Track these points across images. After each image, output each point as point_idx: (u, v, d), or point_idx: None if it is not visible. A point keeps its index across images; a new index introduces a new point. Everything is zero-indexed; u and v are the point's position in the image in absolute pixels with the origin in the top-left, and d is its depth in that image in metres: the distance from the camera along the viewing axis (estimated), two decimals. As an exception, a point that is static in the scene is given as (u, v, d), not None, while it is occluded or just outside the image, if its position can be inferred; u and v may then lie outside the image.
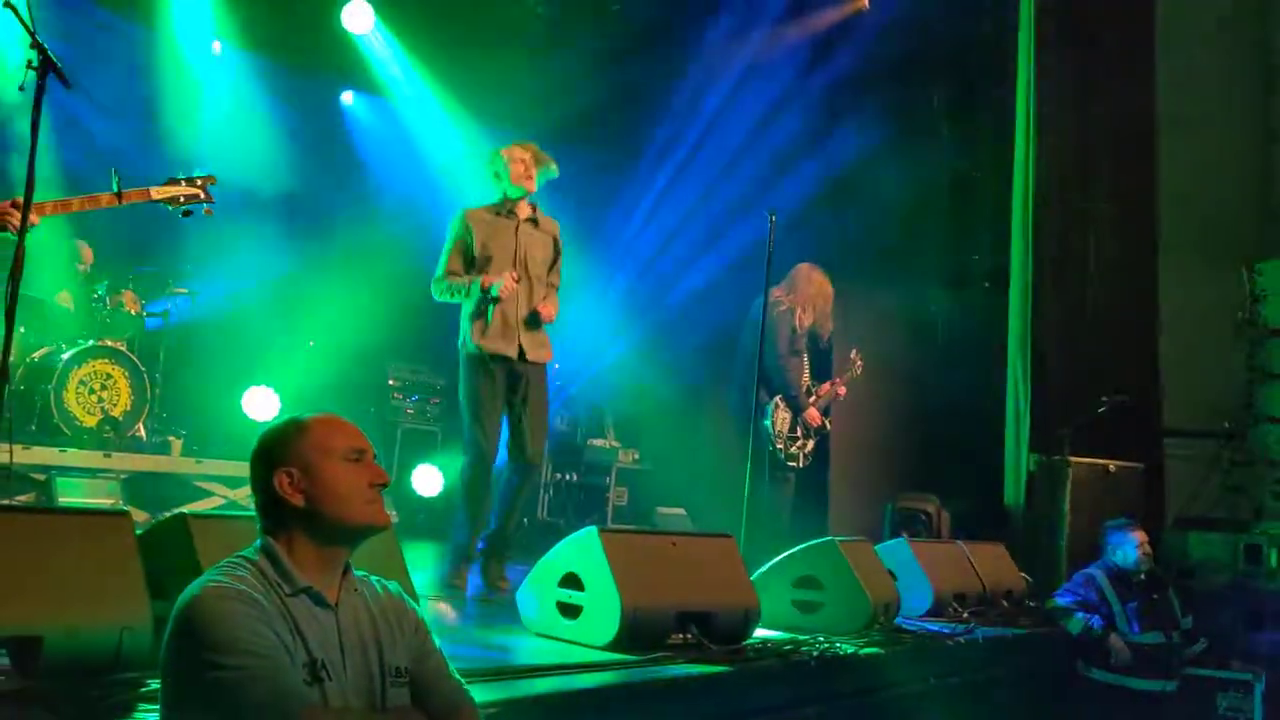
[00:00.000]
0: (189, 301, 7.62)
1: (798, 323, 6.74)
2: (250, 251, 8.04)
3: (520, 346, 5.19)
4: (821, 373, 6.96)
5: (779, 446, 6.63)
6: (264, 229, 8.11)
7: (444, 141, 8.92)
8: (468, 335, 5.21)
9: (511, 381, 5.22)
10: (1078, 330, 7.31)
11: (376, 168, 8.98)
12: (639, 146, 8.73)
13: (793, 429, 6.71)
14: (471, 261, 5.24)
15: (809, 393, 6.78)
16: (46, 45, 3.12)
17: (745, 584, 4.15)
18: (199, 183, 4.04)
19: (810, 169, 7.99)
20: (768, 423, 6.59)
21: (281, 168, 8.41)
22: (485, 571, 5.19)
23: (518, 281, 5.15)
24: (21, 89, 3.09)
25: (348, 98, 9.54)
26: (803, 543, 4.74)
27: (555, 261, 5.40)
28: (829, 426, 6.91)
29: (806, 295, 6.77)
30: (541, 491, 8.94)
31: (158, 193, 3.95)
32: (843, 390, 6.90)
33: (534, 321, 5.21)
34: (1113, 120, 7.52)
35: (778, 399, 6.65)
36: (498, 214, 5.29)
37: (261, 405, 7.84)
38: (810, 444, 6.78)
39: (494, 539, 5.23)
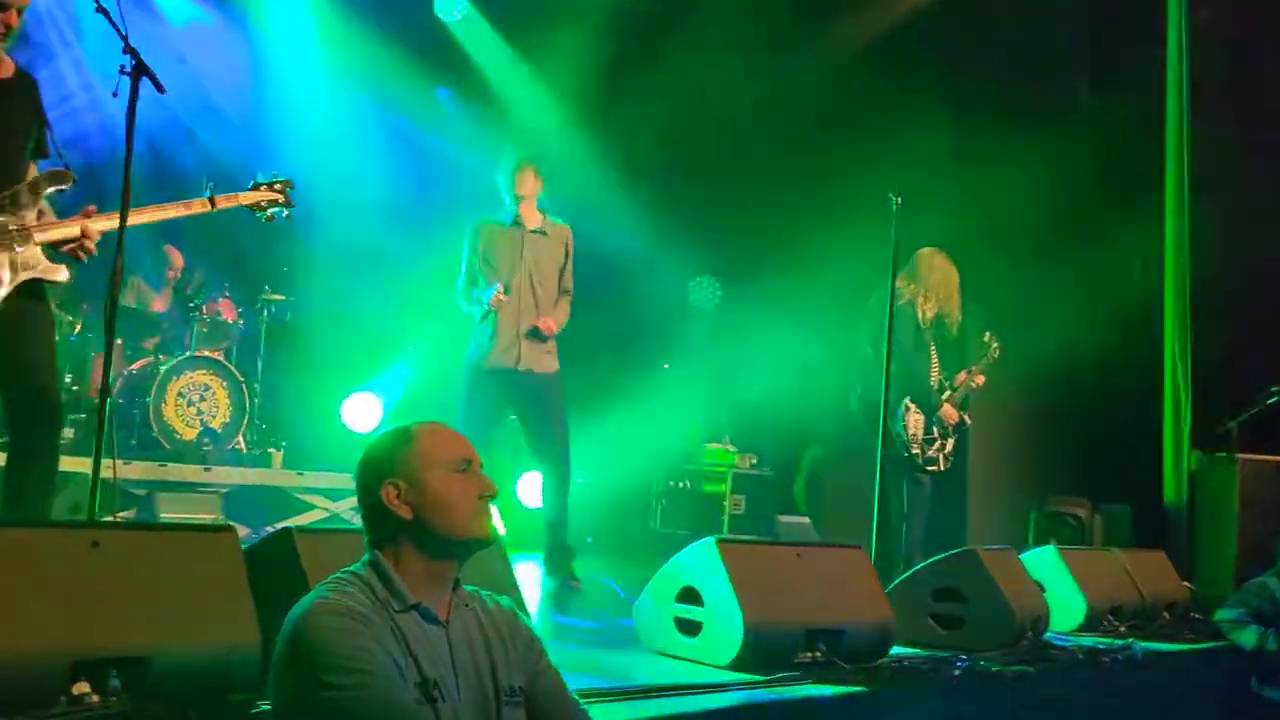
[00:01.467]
0: (286, 308, 7.86)
1: (921, 314, 6.62)
2: (347, 255, 8.25)
3: (519, 357, 5.59)
4: (953, 364, 6.82)
5: (914, 452, 6.50)
6: (361, 231, 8.32)
7: (539, 136, 9.01)
8: (468, 347, 5.72)
9: (510, 394, 5.62)
10: (1243, 315, 7.04)
11: (474, 165, 9.14)
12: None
13: (928, 430, 6.59)
14: (481, 273, 5.70)
15: (941, 389, 6.65)
16: (139, 49, 3.25)
17: (879, 597, 4.11)
18: (278, 187, 4.25)
19: (932, 145, 7.88)
20: (900, 427, 6.48)
21: (378, 168, 8.61)
22: (554, 571, 5.61)
23: (506, 293, 5.56)
24: (115, 95, 3.23)
25: (443, 93, 9.72)
26: (940, 552, 4.66)
27: (566, 267, 5.80)
28: (968, 422, 6.76)
29: (930, 283, 6.65)
30: (654, 500, 8.97)
31: (246, 197, 4.17)
32: (980, 379, 6.74)
33: (536, 333, 5.62)
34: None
35: (907, 401, 6.53)
36: (505, 225, 5.73)
37: (362, 414, 8.04)
38: (949, 444, 6.65)
39: (550, 541, 5.69)
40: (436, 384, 7.89)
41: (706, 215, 8.90)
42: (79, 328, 6.97)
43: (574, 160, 8.60)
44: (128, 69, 3.30)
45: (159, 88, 3.31)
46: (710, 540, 3.83)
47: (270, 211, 4.22)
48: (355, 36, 8.52)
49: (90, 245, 3.63)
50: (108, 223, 3.60)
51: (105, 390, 3.29)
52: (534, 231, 5.77)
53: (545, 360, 5.72)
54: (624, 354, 9.24)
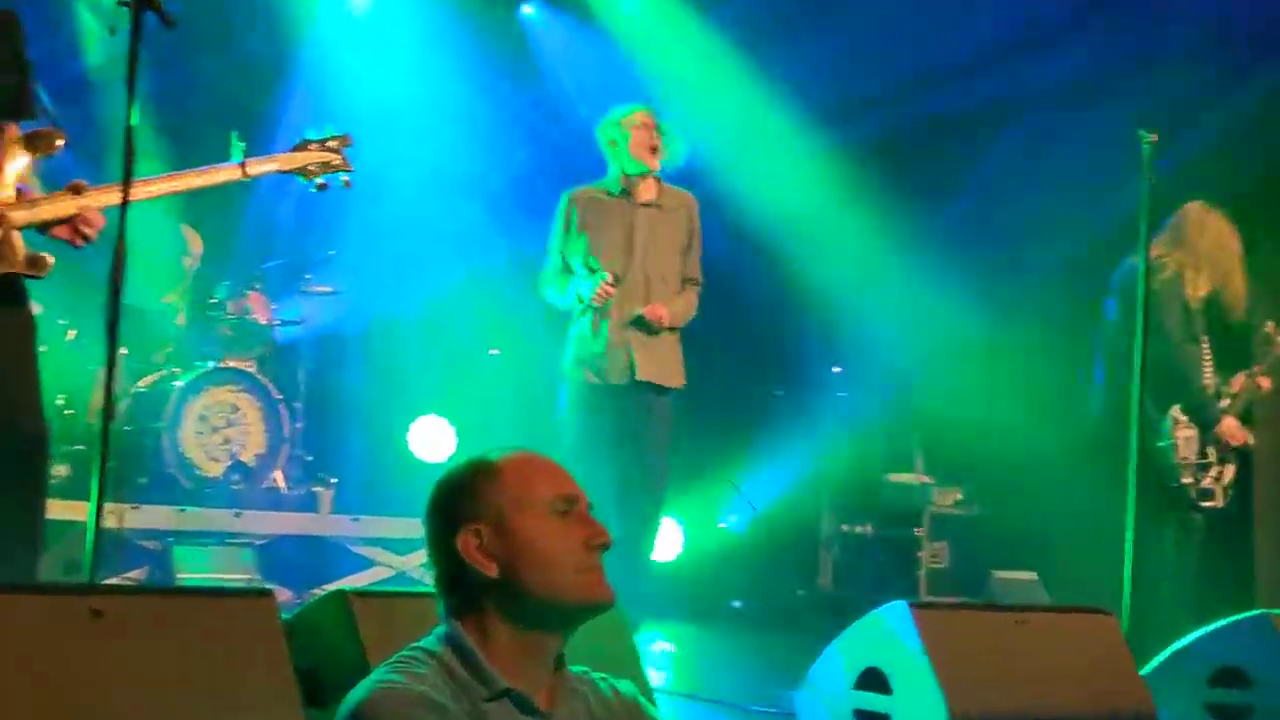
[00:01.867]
0: (334, 303, 8.04)
1: (1191, 291, 6.45)
2: (411, 234, 8.41)
3: (632, 365, 5.67)
4: (1231, 361, 6.62)
5: (1186, 481, 6.32)
6: (428, 204, 8.47)
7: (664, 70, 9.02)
8: (567, 353, 5.84)
9: (621, 413, 5.72)
10: None
11: (573, 114, 9.21)
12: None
13: (1202, 451, 6.39)
14: (581, 256, 5.80)
15: (1218, 395, 6.46)
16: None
17: (1133, 679, 4.05)
18: (333, 144, 4.30)
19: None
20: (1165, 444, 6.28)
21: (448, 120, 8.75)
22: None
23: (615, 284, 5.62)
24: (113, 31, 3.32)
25: (528, 10, 9.78)
26: (1219, 617, 4.55)
27: (692, 249, 5.90)
28: (1252, 442, 6.57)
29: (1201, 250, 6.47)
30: (822, 551, 8.92)
31: (285, 161, 4.22)
32: (1266, 382, 6.54)
33: (647, 328, 5.62)
34: None
35: (1175, 410, 6.32)
36: (611, 195, 5.81)
37: (433, 441, 8.17)
38: (1229, 470, 6.45)
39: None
40: (528, 400, 7.98)
41: (896, 172, 8.82)
42: (74, 334, 7.22)
43: (719, 104, 8.63)
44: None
45: (167, 21, 3.39)
46: (900, 605, 3.80)
47: (323, 178, 4.27)
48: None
49: (89, 229, 3.74)
50: (107, 196, 3.70)
51: (108, 414, 3.39)
52: (648, 205, 5.82)
53: (670, 370, 5.77)
54: (777, 358, 9.22)
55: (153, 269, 7.92)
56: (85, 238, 3.77)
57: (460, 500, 2.28)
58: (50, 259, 3.81)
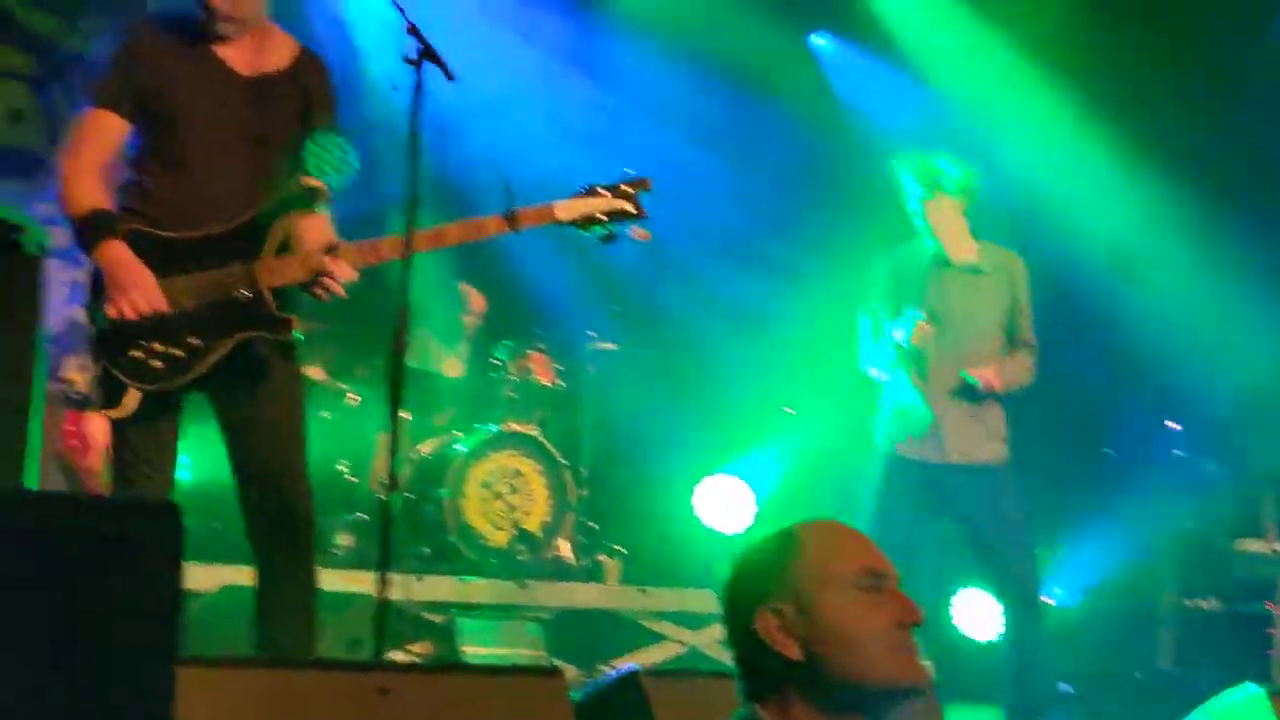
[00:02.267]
0: (620, 362, 8.18)
1: None
2: (701, 286, 8.47)
3: (944, 442, 5.60)
4: None
5: None
6: (719, 252, 8.54)
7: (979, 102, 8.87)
8: (879, 422, 5.83)
9: (939, 492, 5.64)
10: None
11: (868, 151, 9.17)
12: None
13: None
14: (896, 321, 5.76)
15: None
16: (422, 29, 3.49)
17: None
18: (626, 190, 4.16)
19: None
20: None
21: (737, 160, 8.82)
22: None
23: (932, 324, 5.57)
24: (395, 89, 3.46)
25: (819, 41, 9.78)
26: None
27: (1021, 313, 5.80)
28: None
29: None
30: (1162, 626, 8.60)
31: (565, 210, 4.07)
32: None
33: (972, 395, 5.43)
34: None
35: None
36: (928, 259, 5.79)
37: (728, 508, 8.17)
38: None
39: (1013, 695, 5.80)
40: (830, 464, 7.92)
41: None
42: (356, 400, 7.53)
43: (1041, 146, 8.47)
44: (411, 55, 3.53)
45: (449, 75, 3.53)
46: (1257, 692, 3.65)
47: (611, 229, 4.12)
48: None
49: (332, 283, 3.81)
50: (360, 254, 3.82)
51: (392, 482, 3.50)
52: (965, 270, 5.69)
53: (985, 445, 5.64)
54: (1105, 414, 8.94)
55: (433, 330, 8.22)
56: (327, 290, 3.83)
57: (759, 576, 2.27)
58: (297, 322, 3.89)
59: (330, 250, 3.84)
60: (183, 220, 3.80)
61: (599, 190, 4.15)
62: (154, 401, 3.78)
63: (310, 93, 3.96)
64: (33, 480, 3.43)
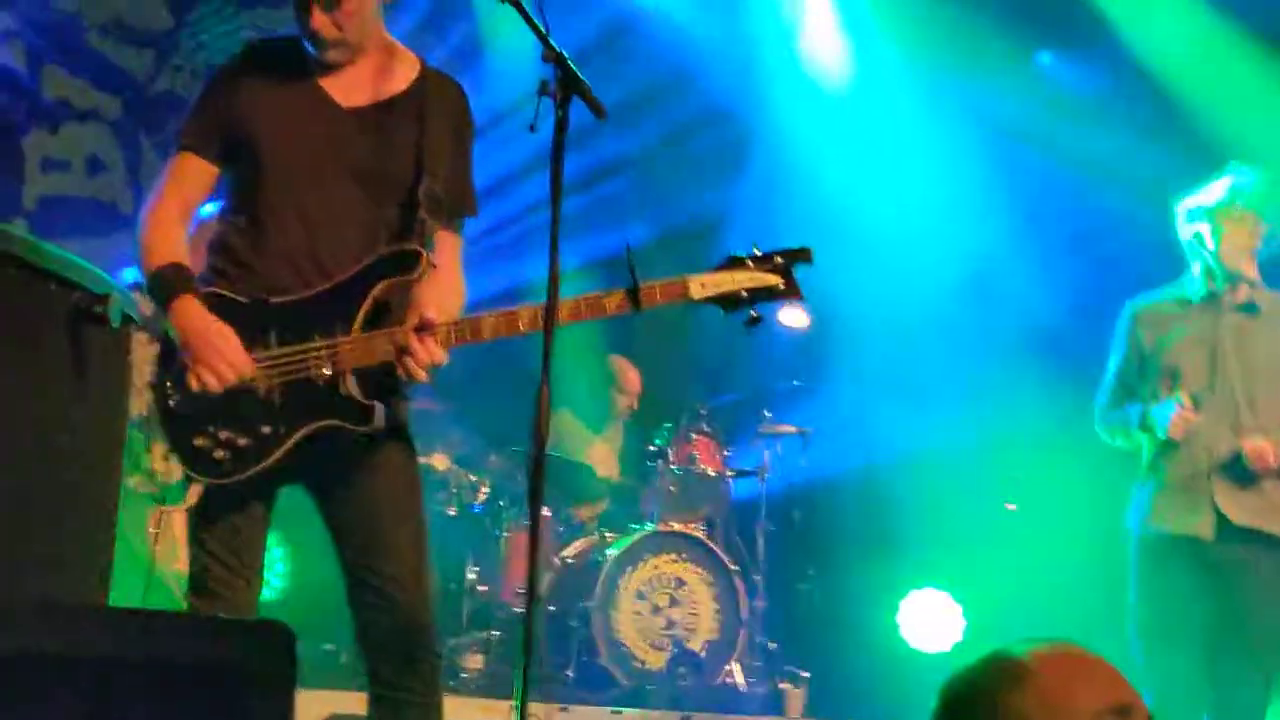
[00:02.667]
0: (800, 445, 8.17)
1: None
2: (899, 357, 8.44)
3: (1216, 515, 5.39)
4: None
5: None
6: (922, 311, 8.50)
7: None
8: (1131, 504, 5.63)
9: (1209, 579, 5.43)
10: None
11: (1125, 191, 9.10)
12: None
13: None
14: (1151, 381, 5.63)
15: None
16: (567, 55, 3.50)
17: None
18: (779, 261, 3.97)
19: None
20: None
21: (939, 192, 8.81)
22: None
23: (1196, 411, 5.39)
24: (533, 129, 3.46)
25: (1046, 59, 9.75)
26: None
27: None
28: None
29: None
30: None
31: (701, 285, 3.90)
32: None
33: (1243, 470, 5.33)
34: None
35: None
36: (1190, 303, 5.61)
37: (933, 624, 8.08)
38: None
39: None
40: (1065, 570, 7.80)
41: None
42: (484, 493, 7.60)
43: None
44: (550, 86, 3.50)
45: (598, 111, 3.46)
46: None
47: (756, 309, 3.94)
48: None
49: (413, 365, 3.75)
50: (456, 333, 3.77)
51: (531, 594, 3.48)
52: (1239, 309, 5.53)
53: (1269, 517, 5.45)
54: None
55: (579, 411, 8.26)
56: (410, 373, 3.78)
57: (978, 712, 2.26)
58: (381, 411, 3.82)
59: (422, 326, 3.75)
60: (261, 283, 3.82)
61: (744, 262, 3.99)
62: (230, 495, 3.83)
63: (431, 119, 3.94)
64: (122, 594, 3.47)
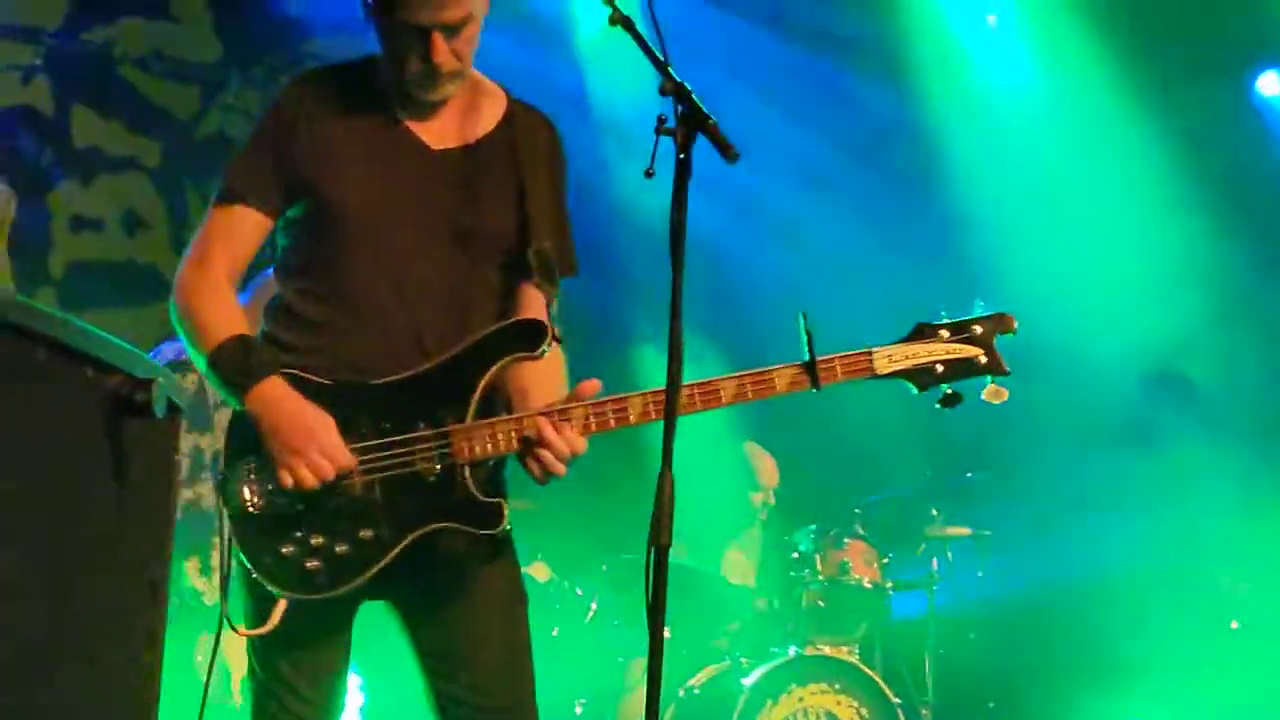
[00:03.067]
0: (976, 552, 8.12)
1: None
2: (1082, 443, 8.42)
3: None
4: None
5: None
6: (1112, 396, 8.48)
7: None
8: None
9: None
10: None
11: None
12: None
13: None
14: None
15: None
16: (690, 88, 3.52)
17: None
18: (978, 331, 4.02)
19: None
20: None
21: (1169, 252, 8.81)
22: None
23: None
24: (650, 174, 3.46)
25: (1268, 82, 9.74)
26: None
27: None
28: None
29: None
30: None
31: (887, 360, 3.95)
32: None
33: None
34: None
35: None
36: None
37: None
38: None
39: None
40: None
41: None
42: (594, 610, 7.62)
43: None
44: (669, 122, 3.51)
45: (729, 153, 3.45)
46: None
47: (952, 386, 3.97)
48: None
49: (550, 458, 3.74)
50: (598, 419, 3.74)
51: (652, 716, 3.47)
52: None
53: None
54: None
55: (708, 510, 8.26)
56: (547, 469, 3.76)
57: None
58: (503, 510, 3.81)
59: (554, 411, 3.78)
60: (347, 360, 3.82)
61: (937, 331, 4.03)
62: (311, 614, 3.80)
63: (526, 165, 3.94)
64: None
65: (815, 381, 3.88)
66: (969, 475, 8.22)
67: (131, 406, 2.58)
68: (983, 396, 3.97)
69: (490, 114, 4.02)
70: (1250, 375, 8.59)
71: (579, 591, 7.56)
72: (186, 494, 7.09)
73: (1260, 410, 8.34)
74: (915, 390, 3.96)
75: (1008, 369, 4.00)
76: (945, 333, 4.01)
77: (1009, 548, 8.24)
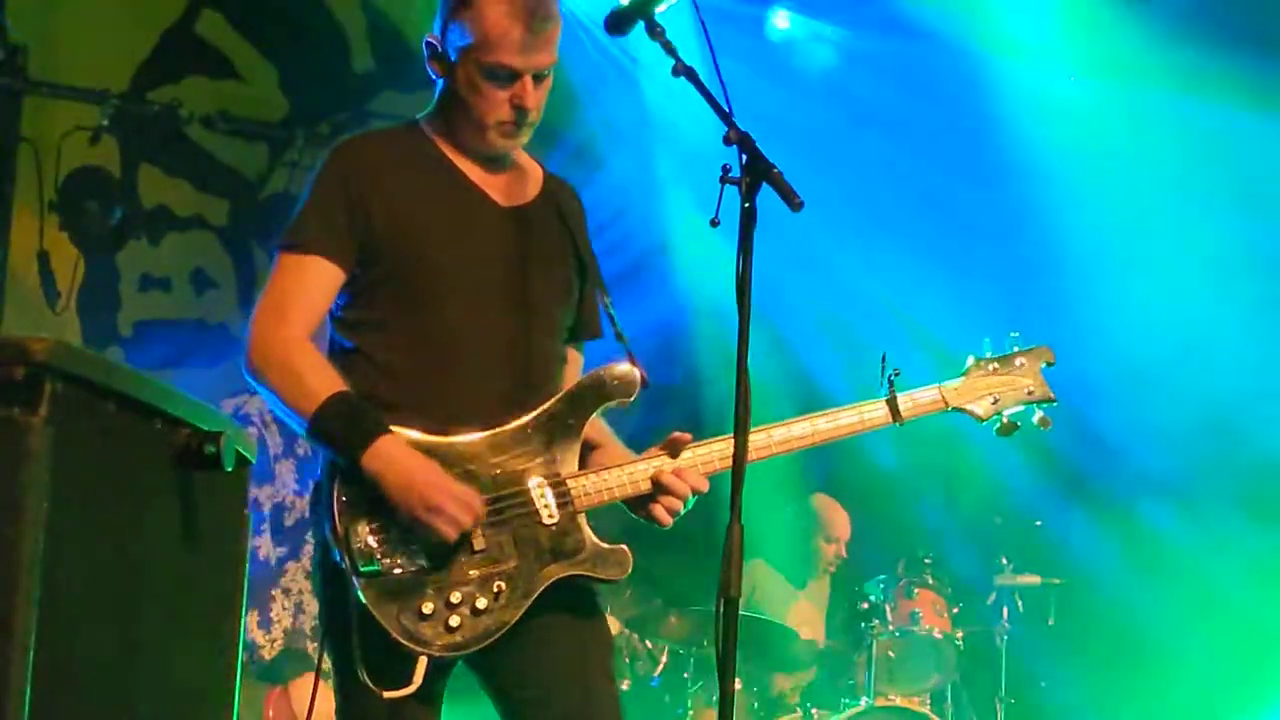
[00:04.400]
0: (1052, 602, 8.13)
1: None
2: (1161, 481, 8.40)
3: None
4: None
5: None
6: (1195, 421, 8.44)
7: None
8: None
9: None
10: None
11: None
12: None
13: None
14: None
15: None
16: (753, 137, 3.53)
17: None
18: (1023, 363, 4.22)
19: None
20: None
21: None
22: None
23: None
24: (715, 223, 3.48)
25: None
26: None
27: None
28: None
29: None
30: None
31: (955, 394, 4.14)
32: None
33: None
34: None
35: None
36: None
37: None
38: None
39: None
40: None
41: None
42: (664, 662, 7.60)
43: None
44: (733, 172, 3.52)
45: (793, 202, 3.46)
46: None
47: (1009, 415, 4.17)
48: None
49: (675, 501, 3.81)
50: (704, 456, 3.82)
51: None
52: None
53: None
54: None
55: (776, 563, 8.25)
56: (672, 511, 3.82)
57: None
58: (628, 556, 3.87)
59: (675, 452, 3.86)
60: (440, 412, 3.82)
61: (988, 364, 4.24)
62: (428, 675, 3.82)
63: (574, 229, 4.01)
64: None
65: (898, 416, 3.96)
66: (1037, 523, 8.20)
67: (200, 459, 2.58)
68: (1034, 421, 4.18)
69: (534, 179, 4.11)
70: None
71: (648, 644, 7.55)
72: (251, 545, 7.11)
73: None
74: (979, 420, 4.13)
75: (1054, 397, 4.21)
76: (995, 365, 4.23)
77: (1079, 595, 8.23)
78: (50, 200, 8.22)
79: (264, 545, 8.30)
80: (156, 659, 2.55)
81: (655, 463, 3.86)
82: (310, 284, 3.86)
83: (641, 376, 3.89)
